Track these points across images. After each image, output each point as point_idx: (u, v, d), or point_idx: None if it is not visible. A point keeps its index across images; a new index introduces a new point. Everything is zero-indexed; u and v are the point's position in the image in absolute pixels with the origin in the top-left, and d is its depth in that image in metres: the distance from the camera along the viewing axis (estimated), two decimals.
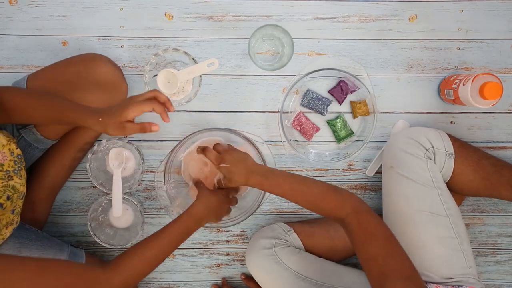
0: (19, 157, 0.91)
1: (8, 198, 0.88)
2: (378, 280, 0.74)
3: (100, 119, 0.89)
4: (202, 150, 1.01)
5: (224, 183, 1.00)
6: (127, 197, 1.15)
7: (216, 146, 1.02)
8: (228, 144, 1.06)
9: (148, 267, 0.87)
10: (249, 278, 1.20)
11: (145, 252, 0.86)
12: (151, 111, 0.91)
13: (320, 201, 0.87)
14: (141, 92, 0.93)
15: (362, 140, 1.17)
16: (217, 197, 1.01)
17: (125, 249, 0.89)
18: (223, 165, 0.97)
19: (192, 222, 0.96)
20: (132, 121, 0.90)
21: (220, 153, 0.99)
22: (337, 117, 1.19)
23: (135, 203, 1.16)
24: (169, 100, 0.93)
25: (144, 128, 0.91)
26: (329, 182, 1.20)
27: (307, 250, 1.10)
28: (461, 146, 1.08)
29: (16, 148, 0.91)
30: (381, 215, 1.09)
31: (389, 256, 0.77)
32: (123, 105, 0.89)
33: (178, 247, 0.91)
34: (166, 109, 0.93)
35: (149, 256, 0.87)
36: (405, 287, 0.72)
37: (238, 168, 0.95)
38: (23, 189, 0.94)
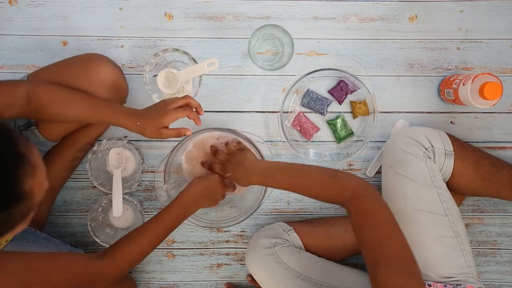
0: None
1: None
2: (371, 267, 0.74)
3: (138, 123, 0.95)
4: (209, 167, 1.06)
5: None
6: (127, 197, 1.15)
7: (216, 154, 1.06)
8: (226, 143, 1.08)
9: (142, 256, 0.93)
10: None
11: (139, 242, 0.91)
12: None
13: (320, 189, 0.88)
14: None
15: (362, 140, 1.17)
16: (207, 182, 1.01)
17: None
18: (228, 174, 1.01)
19: (182, 209, 0.98)
20: (167, 127, 0.96)
21: (223, 163, 1.03)
22: (337, 117, 1.19)
23: (135, 203, 1.16)
24: (200, 105, 0.98)
25: (180, 133, 0.97)
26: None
27: (307, 250, 1.10)
28: (461, 145, 1.09)
29: None
30: None
31: (384, 241, 0.75)
32: (159, 112, 0.94)
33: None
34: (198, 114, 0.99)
35: (143, 246, 0.92)
36: (397, 275, 0.71)
37: (238, 173, 0.99)
38: None
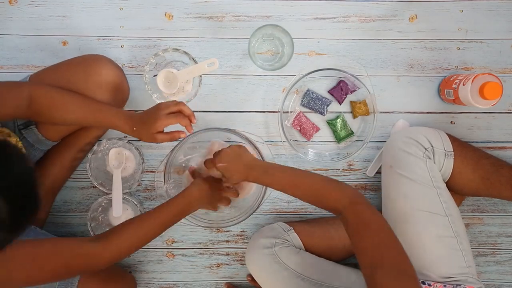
0: None
1: None
2: (369, 270, 0.74)
3: (134, 129, 0.97)
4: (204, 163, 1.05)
5: (224, 181, 1.02)
6: (127, 197, 1.15)
7: (214, 154, 1.02)
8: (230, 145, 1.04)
9: (137, 245, 0.93)
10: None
11: (137, 231, 0.92)
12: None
13: (320, 194, 0.87)
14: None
15: (362, 140, 1.17)
16: (210, 184, 1.03)
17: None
18: (220, 164, 0.97)
19: (185, 204, 0.98)
20: (162, 131, 0.97)
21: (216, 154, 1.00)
22: (337, 117, 1.19)
23: (135, 203, 1.16)
24: (193, 113, 0.99)
25: (174, 137, 0.98)
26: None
27: (307, 250, 1.10)
28: (461, 145, 1.09)
29: (22, 149, 0.91)
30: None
31: (381, 246, 0.76)
32: (152, 118, 0.96)
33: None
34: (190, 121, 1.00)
35: (140, 235, 0.92)
36: (395, 277, 0.71)
37: (235, 165, 0.96)
38: None
